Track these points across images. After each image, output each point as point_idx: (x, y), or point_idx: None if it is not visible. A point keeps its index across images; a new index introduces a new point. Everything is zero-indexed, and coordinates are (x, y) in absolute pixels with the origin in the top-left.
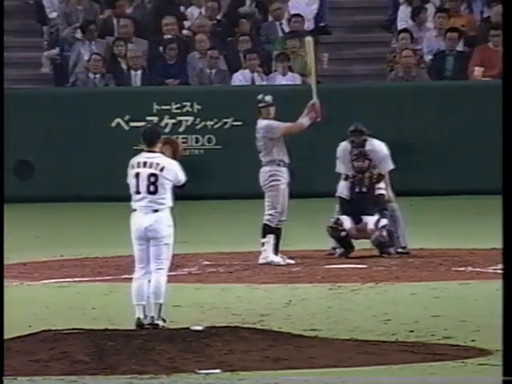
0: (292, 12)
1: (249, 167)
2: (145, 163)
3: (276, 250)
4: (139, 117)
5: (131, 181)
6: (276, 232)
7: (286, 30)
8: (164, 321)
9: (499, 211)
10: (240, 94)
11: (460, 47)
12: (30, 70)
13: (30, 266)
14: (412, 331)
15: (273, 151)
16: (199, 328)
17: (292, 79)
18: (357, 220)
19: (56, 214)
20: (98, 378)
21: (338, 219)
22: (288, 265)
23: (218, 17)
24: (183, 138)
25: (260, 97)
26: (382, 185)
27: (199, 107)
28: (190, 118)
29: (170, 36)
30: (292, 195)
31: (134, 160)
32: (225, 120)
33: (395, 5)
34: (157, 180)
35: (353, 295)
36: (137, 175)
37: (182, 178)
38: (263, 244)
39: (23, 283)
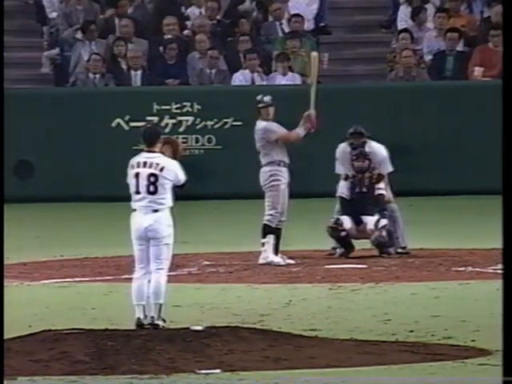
0: (292, 12)
1: (249, 167)
2: (145, 163)
3: (276, 250)
4: (139, 117)
5: (131, 181)
6: (276, 232)
7: (286, 30)
8: (164, 321)
9: (499, 211)
10: (240, 94)
11: (460, 47)
12: (30, 69)
13: (29, 265)
14: (412, 331)
15: (272, 152)
16: (199, 328)
17: (292, 79)
18: (357, 220)
19: (56, 213)
20: (98, 378)
21: (338, 219)
22: (288, 265)
23: (218, 17)
24: (183, 138)
25: (259, 97)
26: (381, 185)
27: (199, 107)
28: (190, 118)
29: (170, 36)
30: (292, 195)
31: (134, 160)
32: (225, 120)
33: (395, 5)
34: (157, 180)
35: (353, 295)
36: (136, 175)
37: (181, 177)
38: (263, 244)
39: (23, 283)
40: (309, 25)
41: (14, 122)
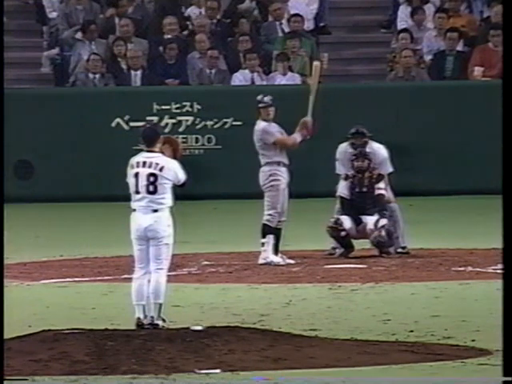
0: (292, 12)
1: (249, 167)
2: (144, 163)
3: (276, 250)
4: (139, 117)
5: (130, 180)
6: (276, 232)
7: (286, 30)
8: (164, 321)
9: (499, 211)
10: (240, 94)
11: (460, 47)
12: (30, 69)
13: (29, 265)
14: (412, 331)
15: (271, 152)
16: (199, 328)
17: (292, 79)
18: (357, 220)
19: (56, 213)
20: (98, 378)
21: (338, 219)
22: (288, 265)
23: (218, 16)
24: (183, 138)
25: (259, 97)
26: (381, 185)
27: (199, 107)
28: (190, 118)
29: (170, 36)
30: (292, 195)
31: (134, 160)
32: (225, 120)
33: (395, 5)
34: (156, 180)
35: (353, 295)
36: (136, 175)
37: (181, 177)
38: (263, 244)
39: (23, 283)
40: (309, 25)
41: (14, 122)
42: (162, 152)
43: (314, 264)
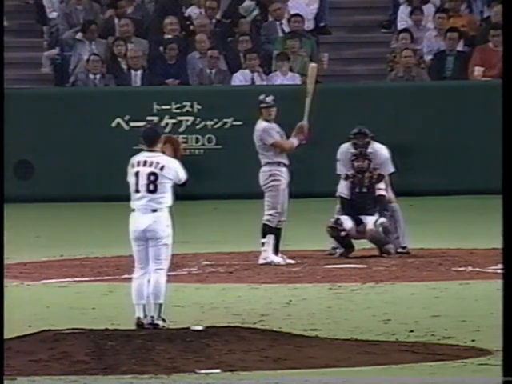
0: (292, 12)
1: (249, 167)
2: (145, 162)
3: (276, 250)
4: (139, 117)
5: (131, 179)
6: (276, 232)
7: (286, 30)
8: (164, 321)
9: (499, 211)
10: (240, 94)
11: (460, 47)
12: (30, 69)
13: (29, 265)
14: (412, 331)
15: (271, 152)
16: (199, 328)
17: (292, 79)
18: (357, 220)
19: (56, 213)
20: (98, 378)
21: (338, 219)
22: (288, 265)
23: (218, 16)
24: (183, 138)
25: (262, 97)
26: (382, 185)
27: (199, 107)
28: (190, 118)
29: (170, 36)
30: (292, 195)
31: (135, 159)
32: (225, 120)
33: (395, 5)
34: (157, 179)
35: (353, 295)
36: (136, 174)
37: (182, 176)
38: (263, 244)
39: (23, 283)
40: (309, 25)
41: (14, 122)
42: (163, 152)
43: (314, 264)
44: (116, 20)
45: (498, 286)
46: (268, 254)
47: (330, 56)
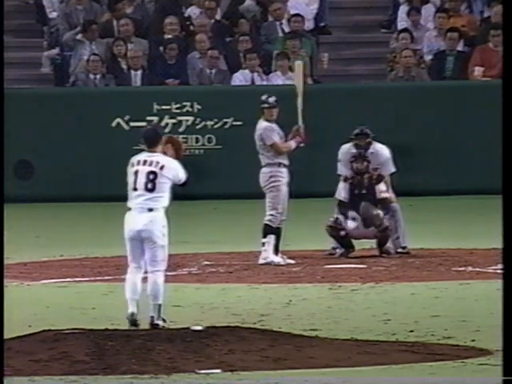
0: (292, 12)
1: (249, 167)
2: (145, 161)
3: (276, 250)
4: (139, 117)
5: (130, 178)
6: (276, 232)
7: (286, 29)
8: (164, 321)
9: (499, 211)
10: (240, 94)
11: (460, 47)
12: (30, 69)
13: (29, 265)
14: (412, 331)
15: (271, 152)
16: (199, 328)
17: (292, 79)
18: (356, 218)
19: (56, 213)
20: (98, 378)
21: (338, 218)
22: (288, 265)
23: (217, 17)
24: (183, 138)
25: (264, 97)
26: (383, 187)
27: (199, 107)
28: (190, 118)
29: (170, 36)
30: (292, 195)
31: (135, 158)
32: (225, 120)
33: (395, 5)
34: (156, 177)
35: (353, 295)
36: (136, 172)
37: (182, 176)
38: (263, 244)
39: (23, 283)
40: (309, 25)
41: (14, 122)
42: (165, 152)
43: (314, 264)
44: (114, 22)
45: (498, 286)
46: (268, 254)
47: (330, 56)
